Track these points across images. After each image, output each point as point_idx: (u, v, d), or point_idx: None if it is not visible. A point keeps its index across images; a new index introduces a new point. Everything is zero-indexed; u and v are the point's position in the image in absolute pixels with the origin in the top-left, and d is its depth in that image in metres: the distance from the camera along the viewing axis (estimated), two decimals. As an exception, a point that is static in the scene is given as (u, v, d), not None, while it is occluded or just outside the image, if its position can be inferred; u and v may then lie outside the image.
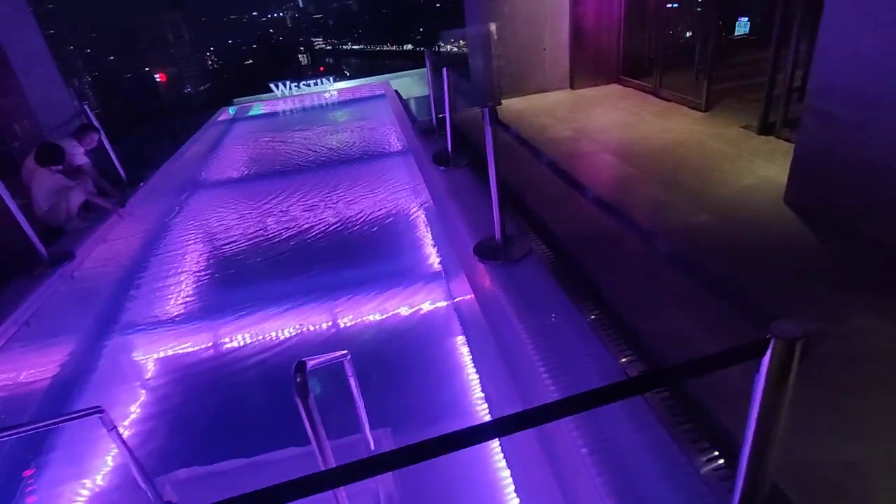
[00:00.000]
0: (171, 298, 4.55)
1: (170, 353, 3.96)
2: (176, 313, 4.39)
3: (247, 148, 8.35)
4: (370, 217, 5.38)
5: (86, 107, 5.87)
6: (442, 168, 5.44)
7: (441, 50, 10.46)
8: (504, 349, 3.14)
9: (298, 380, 1.64)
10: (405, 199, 5.72)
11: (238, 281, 4.71)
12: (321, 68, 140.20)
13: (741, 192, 3.90)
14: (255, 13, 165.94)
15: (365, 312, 4.07)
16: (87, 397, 3.57)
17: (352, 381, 2.72)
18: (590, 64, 7.26)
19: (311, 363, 1.90)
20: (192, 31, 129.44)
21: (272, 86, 10.18)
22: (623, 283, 3.07)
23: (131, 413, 3.42)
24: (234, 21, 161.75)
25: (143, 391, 3.63)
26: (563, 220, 3.86)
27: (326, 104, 10.38)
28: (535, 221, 4.05)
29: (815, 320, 2.53)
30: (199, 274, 4.86)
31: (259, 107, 10.58)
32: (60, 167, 4.98)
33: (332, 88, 10.52)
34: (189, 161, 7.62)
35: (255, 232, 5.45)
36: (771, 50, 4.67)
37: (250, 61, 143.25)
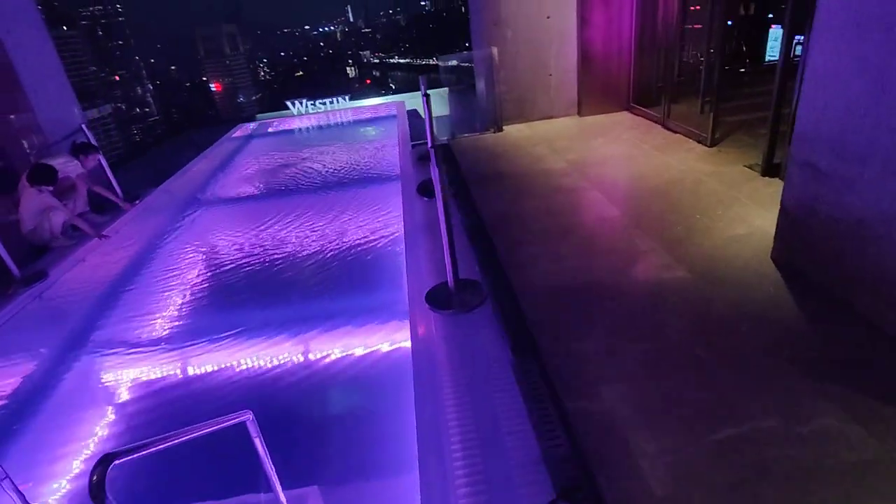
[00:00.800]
0: (138, 322, 4.44)
1: (130, 378, 3.84)
2: (141, 338, 4.28)
3: (250, 167, 8.34)
4: (343, 248, 5.16)
5: (83, 126, 5.93)
6: (425, 199, 5.20)
7: (444, 72, 10.26)
8: (430, 410, 2.85)
9: (95, 478, 1.41)
10: (381, 231, 5.46)
11: (206, 309, 4.58)
12: (367, 80, 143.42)
13: (727, 243, 3.49)
14: (307, 27, 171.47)
15: (309, 350, 3.85)
16: (37, 419, 3.48)
17: (257, 442, 2.49)
18: (598, 91, 6.90)
19: (206, 430, 1.75)
20: (246, 42, 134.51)
21: (289, 104, 10.24)
22: (571, 349, 2.73)
23: (83, 438, 3.28)
24: (287, 34, 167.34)
25: (99, 415, 3.51)
26: (528, 266, 3.54)
27: (338, 124, 10.33)
28: (499, 265, 3.75)
29: (774, 416, 2.14)
30: (171, 298, 4.75)
31: (271, 124, 10.67)
32: (51, 188, 5.00)
33: (346, 107, 10.49)
34: (191, 179, 7.65)
35: (233, 258, 5.33)
36: (775, 81, 4.24)
37: (300, 73, 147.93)
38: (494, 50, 6.57)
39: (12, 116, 6.15)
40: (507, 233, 4.05)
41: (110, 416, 3.54)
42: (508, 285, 3.40)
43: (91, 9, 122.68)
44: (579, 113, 7.08)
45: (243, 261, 5.14)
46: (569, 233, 3.90)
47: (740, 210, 3.92)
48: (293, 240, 5.51)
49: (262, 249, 5.39)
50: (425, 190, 5.32)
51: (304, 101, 10.25)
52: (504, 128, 6.93)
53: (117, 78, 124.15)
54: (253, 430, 2.56)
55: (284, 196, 6.89)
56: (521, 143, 6.24)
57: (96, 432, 3.32)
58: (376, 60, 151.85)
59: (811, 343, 2.54)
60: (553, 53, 6.77)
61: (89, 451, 3.18)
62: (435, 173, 3.14)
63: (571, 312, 3.00)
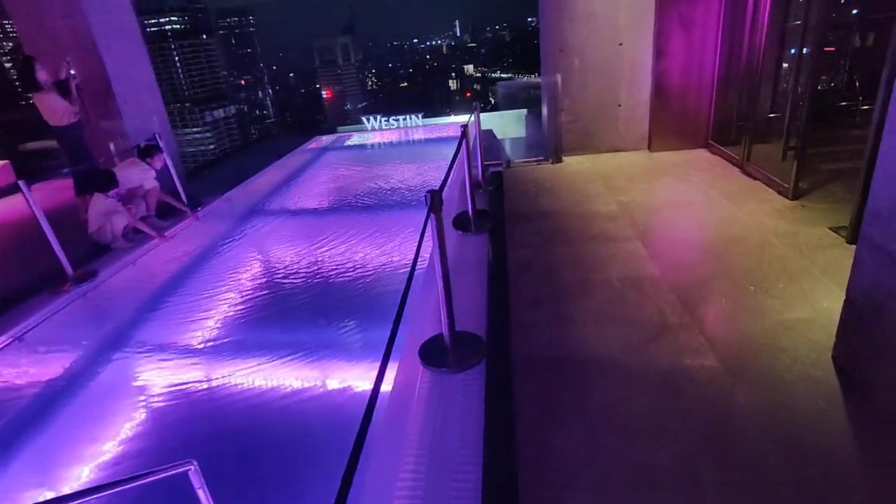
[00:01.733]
0: (171, 329, 4.59)
1: (153, 383, 3.96)
2: (170, 345, 4.40)
3: (310, 181, 8.52)
4: (357, 277, 5.01)
5: (157, 135, 6.32)
6: (459, 231, 4.92)
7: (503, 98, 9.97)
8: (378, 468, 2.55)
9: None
10: (399, 263, 5.23)
11: (238, 323, 4.62)
12: (468, 93, 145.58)
13: (780, 329, 2.87)
14: (415, 40, 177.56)
15: (300, 379, 3.71)
16: (64, 417, 3.65)
17: (200, 493, 2.35)
18: (673, 125, 6.24)
19: (145, 480, 1.64)
20: (358, 53, 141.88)
21: (364, 119, 10.42)
22: (550, 441, 2.33)
23: (104, 440, 3.38)
24: (397, 46, 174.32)
25: (124, 416, 3.63)
26: (534, 328, 3.15)
27: (406, 142, 10.34)
28: (507, 321, 3.38)
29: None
30: (207, 310, 4.86)
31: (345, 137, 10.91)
32: (114, 192, 5.35)
33: (418, 125, 10.48)
34: (256, 189, 7.93)
35: (274, 272, 5.39)
36: (872, 126, 3.50)
37: (405, 84, 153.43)
38: (558, 78, 6.17)
39: (102, 123, 6.71)
40: (526, 283, 3.66)
41: (124, 420, 3.63)
42: (506, 350, 3.03)
43: (228, 20, 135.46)
44: (649, 148, 6.45)
45: (262, 281, 5.17)
46: (592, 292, 3.45)
47: (809, 285, 3.25)
48: (312, 262, 5.46)
49: (282, 269, 5.40)
50: (461, 223, 5.04)
51: (377, 116, 10.37)
52: (564, 159, 6.48)
53: (243, 82, 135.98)
54: (196, 481, 2.41)
55: (323, 214, 6.96)
56: (576, 178, 5.77)
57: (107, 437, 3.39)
58: (478, 74, 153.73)
59: (866, 498, 1.94)
60: (624, 84, 6.23)
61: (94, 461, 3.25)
62: (432, 223, 2.86)
63: (565, 394, 2.58)
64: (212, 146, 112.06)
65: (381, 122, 10.36)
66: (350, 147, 10.47)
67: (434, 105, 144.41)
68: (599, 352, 2.86)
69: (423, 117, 11.20)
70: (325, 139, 10.83)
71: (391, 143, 10.55)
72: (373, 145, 10.55)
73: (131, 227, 5.56)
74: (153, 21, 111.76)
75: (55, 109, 5.68)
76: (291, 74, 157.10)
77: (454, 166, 7.03)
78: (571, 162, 6.38)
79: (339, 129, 12.21)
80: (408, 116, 10.39)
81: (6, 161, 7.77)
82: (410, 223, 5.88)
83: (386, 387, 3.34)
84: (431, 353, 3.11)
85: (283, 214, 7.14)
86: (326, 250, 5.72)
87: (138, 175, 5.75)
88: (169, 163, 6.32)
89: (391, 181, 8.23)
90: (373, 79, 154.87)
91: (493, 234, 4.73)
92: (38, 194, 5.47)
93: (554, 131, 6.43)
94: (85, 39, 6.36)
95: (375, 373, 1.91)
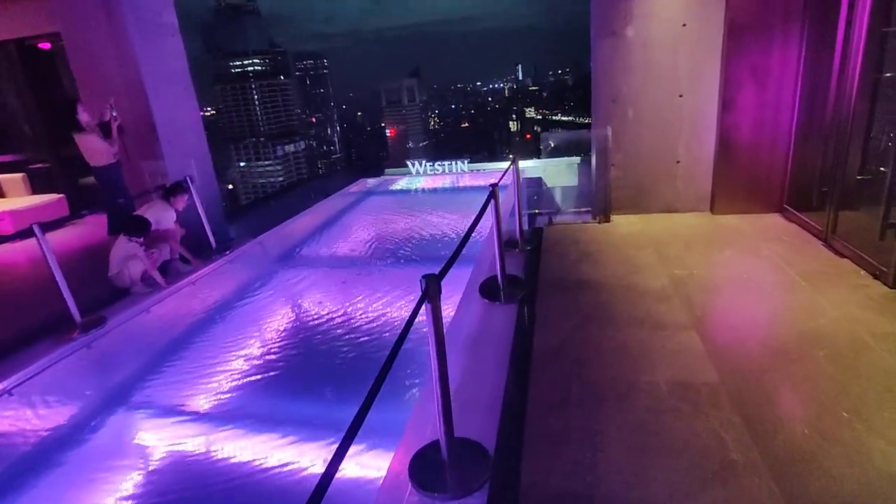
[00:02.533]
0: (172, 388, 4.26)
1: (150, 444, 3.63)
2: (168, 405, 4.07)
3: (350, 227, 8.25)
4: (374, 346, 4.50)
5: (188, 178, 6.23)
6: (486, 300, 4.34)
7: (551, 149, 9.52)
8: None
9: None
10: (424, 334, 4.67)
11: (243, 390, 4.23)
12: (528, 135, 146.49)
13: (891, 486, 2.10)
14: (478, 83, 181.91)
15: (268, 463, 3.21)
16: (51, 474, 3.37)
17: None
18: (740, 186, 5.48)
19: None
20: (422, 94, 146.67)
21: (409, 163, 10.18)
22: None
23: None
24: (460, 89, 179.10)
25: (110, 477, 3.30)
26: (552, 446, 2.50)
27: (450, 188, 9.95)
28: (520, 433, 2.75)
29: None
30: (218, 370, 4.50)
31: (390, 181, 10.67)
32: (140, 238, 5.18)
33: (464, 170, 10.09)
34: (292, 232, 7.71)
35: (290, 333, 5.00)
36: None
37: (466, 124, 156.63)
38: (609, 130, 5.59)
39: (144, 163, 6.73)
40: (552, 377, 3.03)
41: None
42: (516, 473, 2.40)
43: (304, 63, 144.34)
44: (712, 209, 5.69)
45: (277, 342, 4.77)
46: (632, 398, 2.76)
47: (924, 416, 2.44)
48: (332, 323, 5.04)
49: (299, 330, 5.01)
50: (489, 290, 4.46)
51: (423, 161, 10.10)
52: (613, 218, 5.82)
53: (314, 120, 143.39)
54: None
55: (353, 265, 6.60)
56: (625, 242, 5.09)
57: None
58: (539, 116, 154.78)
59: None
60: (683, 138, 5.57)
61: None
62: (428, 311, 2.33)
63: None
64: (280, 178, 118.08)
65: (426, 167, 10.07)
66: (393, 192, 10.21)
67: (493, 145, 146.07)
68: (636, 495, 2.18)
69: (471, 162, 10.85)
70: (370, 182, 10.65)
71: (436, 189, 10.21)
72: (417, 191, 10.24)
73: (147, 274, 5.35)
74: (238, 63, 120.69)
75: (94, 150, 5.70)
76: (359, 113, 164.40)
77: (485, 225, 6.52)
78: (621, 222, 5.71)
79: (387, 171, 12.06)
80: (453, 162, 10.04)
81: (61, 195, 7.98)
82: (449, 285, 5.38)
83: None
84: (423, 469, 2.53)
85: (314, 263, 6.83)
86: (350, 310, 5.29)
87: (155, 214, 5.56)
88: (198, 204, 6.18)
89: (432, 231, 7.83)
90: (435, 119, 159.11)
91: (524, 305, 4.13)
92: (84, 228, 5.49)
93: (603, 188, 5.81)
94: (134, 83, 6.44)
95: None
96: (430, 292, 2.28)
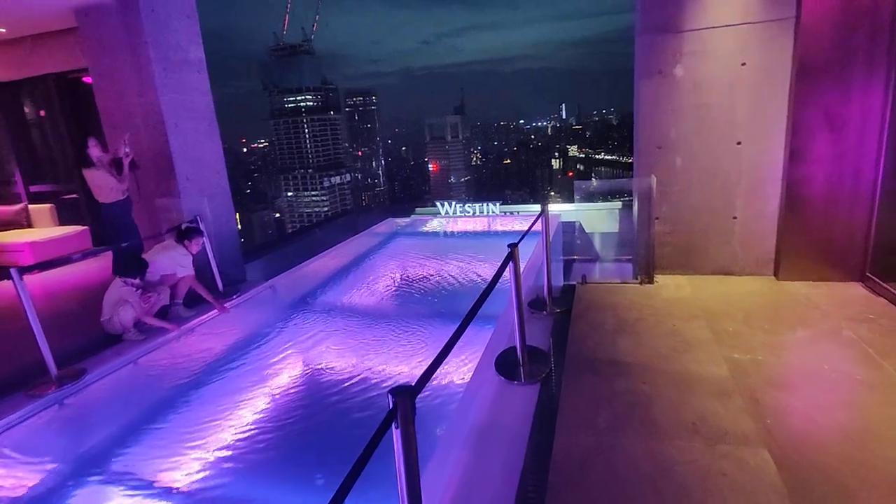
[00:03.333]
0: (156, 457, 3.74)
1: None
2: (150, 479, 3.54)
3: (372, 271, 7.75)
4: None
5: (198, 218, 5.89)
6: (502, 378, 3.65)
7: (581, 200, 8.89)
8: None
9: None
10: (431, 417, 3.99)
11: (229, 467, 3.67)
12: (570, 173, 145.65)
13: None
14: (521, 121, 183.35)
15: None
16: None
17: None
18: (812, 248, 4.64)
19: None
20: (466, 131, 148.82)
21: (438, 204, 9.69)
22: None
23: None
24: (503, 126, 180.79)
25: None
26: None
27: (479, 232, 9.36)
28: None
29: None
30: (208, 436, 3.96)
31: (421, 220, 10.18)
32: (136, 280, 4.82)
33: (496, 213, 9.49)
34: (309, 274, 7.27)
35: (293, 398, 4.44)
36: None
37: (508, 161, 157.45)
38: (653, 180, 4.91)
39: (158, 200, 6.47)
40: (574, 508, 2.31)
41: None
42: None
43: (354, 99, 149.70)
44: (776, 274, 4.85)
45: (276, 410, 4.18)
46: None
47: None
48: (340, 386, 4.44)
49: (301, 394, 4.43)
50: (506, 365, 3.77)
51: (452, 202, 9.59)
52: (657, 278, 5.06)
53: (360, 153, 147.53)
54: None
55: (369, 317, 6.05)
56: (671, 310, 4.32)
57: None
58: (582, 155, 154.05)
59: None
60: (741, 191, 4.81)
61: None
62: (398, 438, 1.70)
63: None
64: (326, 208, 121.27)
65: (455, 207, 9.55)
66: (421, 234, 9.71)
67: (534, 182, 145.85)
68: None
69: (505, 203, 10.28)
70: (398, 222, 10.19)
71: (465, 232, 9.64)
72: (446, 233, 9.70)
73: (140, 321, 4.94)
74: (291, 99, 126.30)
75: (103, 186, 5.46)
76: (404, 148, 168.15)
77: (505, 286, 5.84)
78: (667, 284, 4.94)
79: (417, 210, 11.62)
80: (485, 204, 9.48)
81: (85, 227, 7.87)
82: (469, 344, 4.73)
83: None
84: None
85: (327, 313, 6.32)
86: (359, 375, 4.70)
87: (173, 261, 5.22)
88: (208, 245, 5.82)
89: (459, 281, 7.25)
90: (478, 155, 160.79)
91: (546, 388, 3.43)
92: (105, 261, 5.21)
93: (645, 244, 5.08)
94: (154, 117, 6.23)
95: None
96: (404, 414, 1.66)
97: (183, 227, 5.51)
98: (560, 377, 3.51)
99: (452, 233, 9.63)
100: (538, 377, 3.56)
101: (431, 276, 7.57)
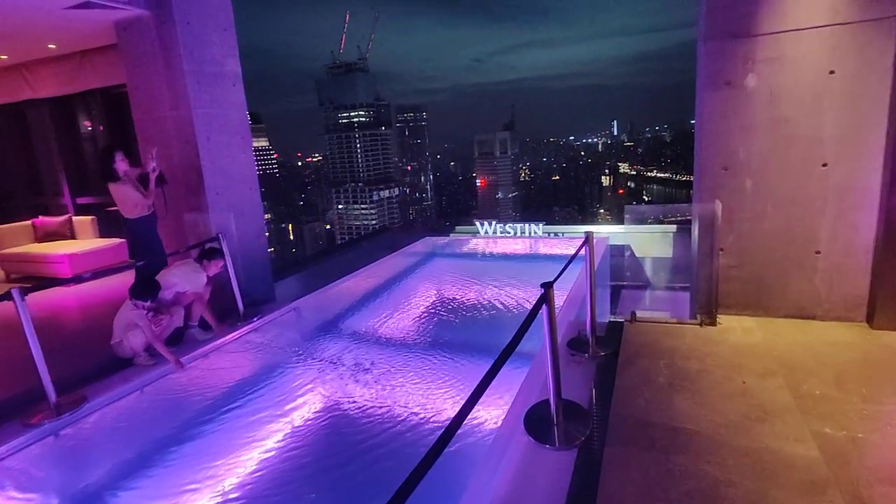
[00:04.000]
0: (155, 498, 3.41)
1: None
2: None
3: (405, 295, 7.31)
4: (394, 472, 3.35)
5: (220, 235, 5.63)
6: (531, 438, 3.07)
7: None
8: None
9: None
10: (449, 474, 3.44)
11: None
12: (620, 190, 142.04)
13: None
14: (571, 137, 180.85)
15: None
16: None
17: None
18: (916, 290, 3.82)
19: None
20: (514, 147, 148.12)
21: (477, 223, 9.17)
22: None
23: None
24: (552, 143, 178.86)
25: None
26: None
27: (525, 255, 8.75)
28: None
29: None
30: (215, 477, 3.60)
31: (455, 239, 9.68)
32: (147, 302, 4.55)
33: (538, 234, 8.85)
34: (340, 294, 6.91)
35: (310, 437, 4.04)
36: None
37: (557, 177, 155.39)
38: (718, 206, 4.22)
39: (187, 215, 6.29)
40: None
41: None
42: None
43: (405, 115, 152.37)
44: (870, 321, 4.03)
45: (287, 449, 3.76)
46: None
47: None
48: (356, 426, 3.98)
49: (316, 431, 4.00)
50: (537, 423, 3.18)
51: (493, 222, 9.05)
52: (721, 319, 4.34)
53: (409, 168, 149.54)
54: None
55: (397, 349, 5.59)
56: (740, 361, 3.61)
57: None
58: (633, 172, 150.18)
59: None
60: (827, 220, 4.05)
61: None
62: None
63: None
64: (374, 221, 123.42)
65: (495, 227, 9.00)
66: (459, 255, 9.19)
67: (584, 199, 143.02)
68: None
69: (550, 224, 9.65)
70: (436, 242, 9.73)
71: (506, 255, 9.06)
72: (484, 255, 9.16)
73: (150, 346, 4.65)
74: (345, 114, 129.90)
75: (127, 201, 5.28)
76: (452, 163, 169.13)
77: (567, 303, 5.18)
78: (733, 327, 4.21)
79: (457, 229, 11.14)
80: (526, 224, 8.88)
81: (123, 240, 7.85)
82: (498, 385, 4.18)
83: None
84: None
85: (354, 340, 5.91)
86: (381, 412, 4.26)
87: (184, 278, 4.97)
88: (229, 264, 5.53)
89: (496, 309, 6.71)
90: (526, 171, 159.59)
91: (584, 457, 2.83)
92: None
93: (707, 278, 4.38)
94: (185, 130, 6.08)
95: None
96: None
97: (206, 247, 5.25)
98: (602, 443, 2.90)
99: (492, 255, 9.08)
100: (575, 441, 2.96)
101: (467, 303, 7.05)
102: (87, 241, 7.70)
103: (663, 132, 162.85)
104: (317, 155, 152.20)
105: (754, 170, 4.17)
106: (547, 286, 2.80)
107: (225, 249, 5.48)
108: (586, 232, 4.01)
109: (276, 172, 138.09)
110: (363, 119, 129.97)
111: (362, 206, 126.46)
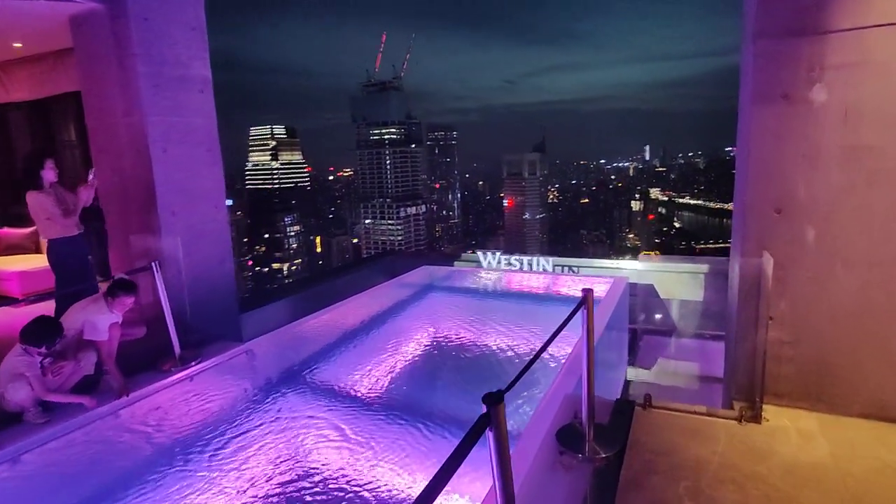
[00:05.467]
0: None
1: None
2: None
3: (386, 337, 6.32)
4: None
5: (154, 265, 4.75)
6: None
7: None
8: None
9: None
10: None
11: None
12: (650, 216, 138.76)
13: None
14: (602, 161, 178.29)
15: None
16: None
17: None
18: None
19: None
20: (544, 168, 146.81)
21: (480, 254, 8.12)
22: None
23: None
24: (583, 166, 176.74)
25: None
26: None
27: (532, 295, 7.62)
28: None
29: None
30: None
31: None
32: (41, 349, 3.66)
33: (547, 270, 7.73)
34: (308, 332, 5.94)
35: None
36: None
37: (586, 200, 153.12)
38: (767, 261, 3.11)
39: (133, 237, 5.48)
40: None
41: None
42: None
43: (436, 134, 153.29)
44: None
45: None
46: None
47: None
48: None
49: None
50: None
51: (496, 253, 8.00)
52: (767, 412, 3.18)
53: (437, 186, 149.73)
54: None
55: (366, 412, 4.60)
56: (799, 496, 2.47)
57: None
58: (665, 198, 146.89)
59: None
60: (926, 289, 2.90)
61: None
62: None
63: None
64: (399, 237, 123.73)
65: (499, 259, 7.94)
66: (458, 291, 8.07)
67: (612, 223, 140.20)
68: None
69: (565, 253, 8.56)
70: (435, 273, 8.65)
71: (509, 293, 7.92)
72: (486, 292, 8.05)
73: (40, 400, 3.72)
74: (377, 131, 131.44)
75: (41, 213, 4.41)
76: (480, 182, 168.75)
77: (570, 362, 4.12)
78: (784, 427, 3.05)
79: (464, 255, 10.09)
80: (534, 258, 7.79)
81: (88, 257, 7.13)
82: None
83: None
84: None
85: (317, 394, 4.96)
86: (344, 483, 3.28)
87: (83, 318, 3.99)
88: (162, 296, 4.62)
89: (492, 364, 5.68)
90: (555, 193, 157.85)
91: None
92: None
93: (749, 356, 3.24)
94: (138, 140, 5.29)
95: None
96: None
97: (117, 277, 4.32)
98: None
99: (494, 292, 7.95)
100: None
101: (461, 355, 6.02)
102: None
103: (697, 158, 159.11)
104: (348, 170, 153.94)
105: (820, 215, 3.05)
106: (494, 399, 1.75)
107: (158, 282, 4.59)
108: (585, 290, 2.95)
109: (308, 185, 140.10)
110: (394, 136, 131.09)
111: (389, 221, 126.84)
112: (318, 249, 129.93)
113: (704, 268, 8.14)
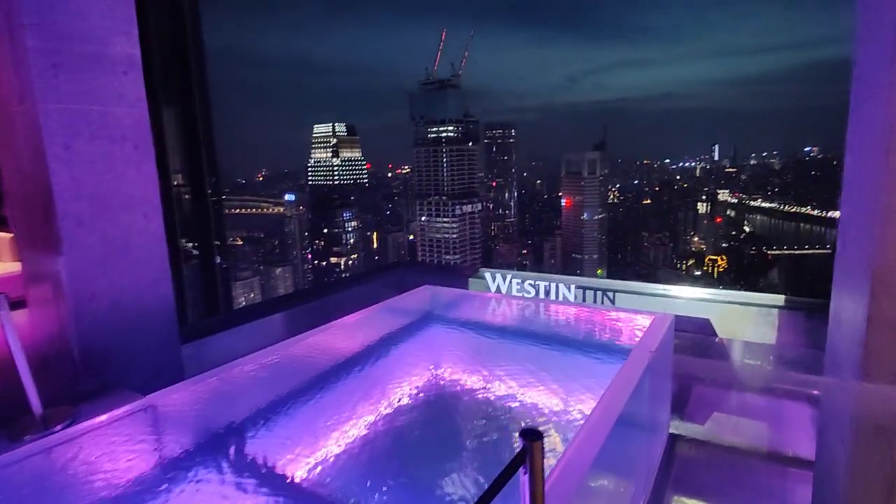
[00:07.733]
0: None
1: None
2: None
3: (361, 387, 4.91)
4: None
5: (2, 295, 3.61)
6: None
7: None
8: None
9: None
10: None
11: None
12: (718, 219, 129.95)
13: None
14: (667, 160, 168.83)
15: None
16: None
17: None
18: None
19: None
20: (604, 168, 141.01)
21: (487, 276, 6.50)
22: None
23: None
24: (646, 165, 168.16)
25: None
26: None
27: (545, 335, 5.85)
28: None
29: None
30: None
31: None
32: None
33: (568, 299, 6.03)
34: (250, 374, 4.61)
35: None
36: None
37: (647, 201, 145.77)
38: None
39: (25, 253, 4.43)
40: None
41: None
42: None
43: (494, 132, 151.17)
44: None
45: None
46: None
47: None
48: None
49: None
50: None
51: (507, 274, 6.40)
52: None
53: (494, 184, 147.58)
54: None
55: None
56: None
57: None
58: (734, 200, 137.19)
59: None
60: None
61: None
62: None
63: None
64: (454, 235, 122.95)
65: (510, 283, 6.35)
66: (461, 323, 6.38)
67: (676, 225, 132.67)
68: None
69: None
70: (437, 296, 6.94)
71: (522, 332, 6.14)
72: (493, 327, 6.25)
73: None
74: (434, 129, 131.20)
75: None
76: (538, 181, 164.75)
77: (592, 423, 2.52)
78: None
79: (482, 270, 8.52)
80: (552, 284, 6.14)
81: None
82: None
83: None
84: None
85: (236, 478, 3.65)
86: None
87: None
88: (11, 340, 3.47)
89: (494, 442, 4.18)
90: (615, 192, 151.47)
91: None
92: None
93: (874, 447, 1.57)
94: (31, 133, 4.21)
95: None
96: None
97: None
98: None
99: (507, 329, 6.13)
100: None
101: (456, 421, 4.53)
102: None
103: (772, 159, 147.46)
104: (405, 167, 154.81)
105: None
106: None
107: (4, 318, 3.44)
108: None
109: (366, 182, 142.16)
110: (451, 134, 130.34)
111: (444, 219, 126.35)
112: (375, 245, 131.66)
113: (779, 299, 6.29)
